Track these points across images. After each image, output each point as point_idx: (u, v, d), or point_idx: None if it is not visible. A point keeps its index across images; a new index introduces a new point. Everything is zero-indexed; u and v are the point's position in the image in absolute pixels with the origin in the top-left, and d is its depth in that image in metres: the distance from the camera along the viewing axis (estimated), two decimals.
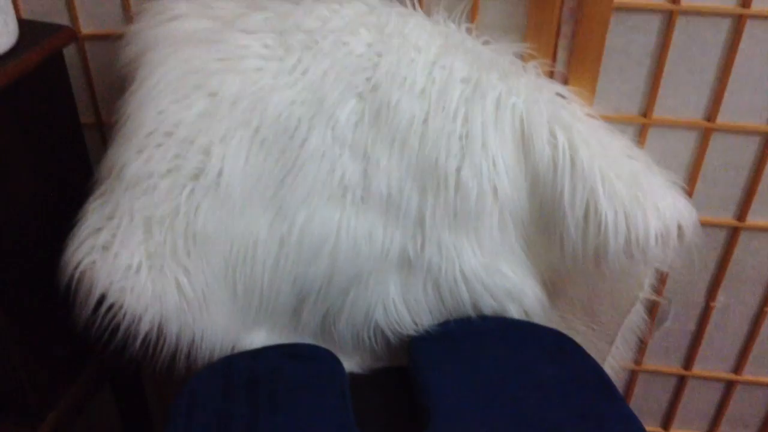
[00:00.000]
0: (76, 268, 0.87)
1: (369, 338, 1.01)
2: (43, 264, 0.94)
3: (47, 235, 0.95)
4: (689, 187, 1.07)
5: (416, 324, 0.99)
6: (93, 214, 0.90)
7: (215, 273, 0.92)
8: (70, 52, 1.06)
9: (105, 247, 0.88)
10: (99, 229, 0.89)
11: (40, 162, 0.94)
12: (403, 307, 0.99)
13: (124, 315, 0.86)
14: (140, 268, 0.87)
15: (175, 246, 0.89)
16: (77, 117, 1.02)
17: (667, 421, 1.29)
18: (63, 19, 1.05)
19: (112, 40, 1.03)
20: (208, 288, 0.92)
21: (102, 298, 0.86)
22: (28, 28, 0.91)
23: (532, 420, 0.85)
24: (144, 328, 0.87)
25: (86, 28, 1.06)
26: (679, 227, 0.93)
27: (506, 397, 0.88)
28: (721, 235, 1.10)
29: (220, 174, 0.89)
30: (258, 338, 1.00)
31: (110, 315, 0.86)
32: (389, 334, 1.00)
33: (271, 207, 0.94)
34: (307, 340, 1.02)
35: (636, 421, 0.85)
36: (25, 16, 1.03)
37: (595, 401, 0.88)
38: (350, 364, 1.03)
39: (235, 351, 0.97)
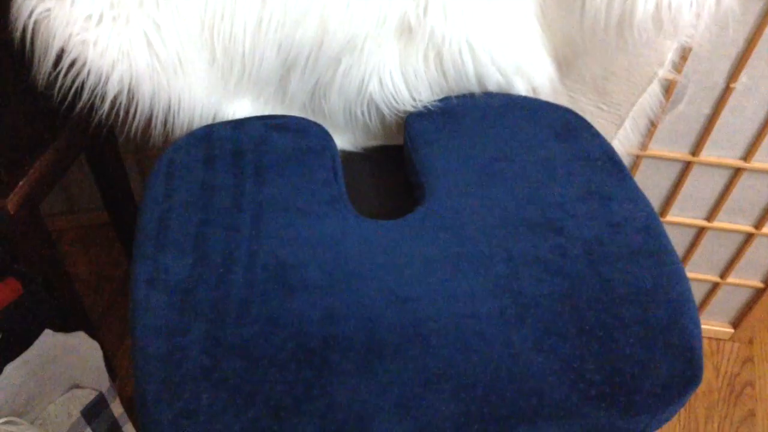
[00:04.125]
0: (29, 17, 0.77)
1: (362, 113, 0.94)
2: None
3: None
4: None
5: (414, 99, 0.92)
6: None
7: (189, 31, 0.82)
8: None
9: None
10: None
11: None
12: (400, 79, 0.91)
13: (89, 73, 0.77)
14: (102, 19, 0.77)
15: None
16: None
17: (664, 208, 1.27)
18: None
19: None
20: (183, 48, 0.82)
21: (61, 53, 0.76)
22: None
23: (533, 197, 0.80)
24: (112, 88, 0.78)
25: None
26: None
27: (508, 174, 0.82)
28: (757, 5, 0.99)
29: None
30: (241, 109, 0.92)
31: (73, 72, 0.77)
32: (384, 109, 0.93)
33: None
34: (295, 113, 0.95)
35: (645, 200, 0.80)
36: None
37: (603, 180, 0.83)
38: (342, 141, 0.97)
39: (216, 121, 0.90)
